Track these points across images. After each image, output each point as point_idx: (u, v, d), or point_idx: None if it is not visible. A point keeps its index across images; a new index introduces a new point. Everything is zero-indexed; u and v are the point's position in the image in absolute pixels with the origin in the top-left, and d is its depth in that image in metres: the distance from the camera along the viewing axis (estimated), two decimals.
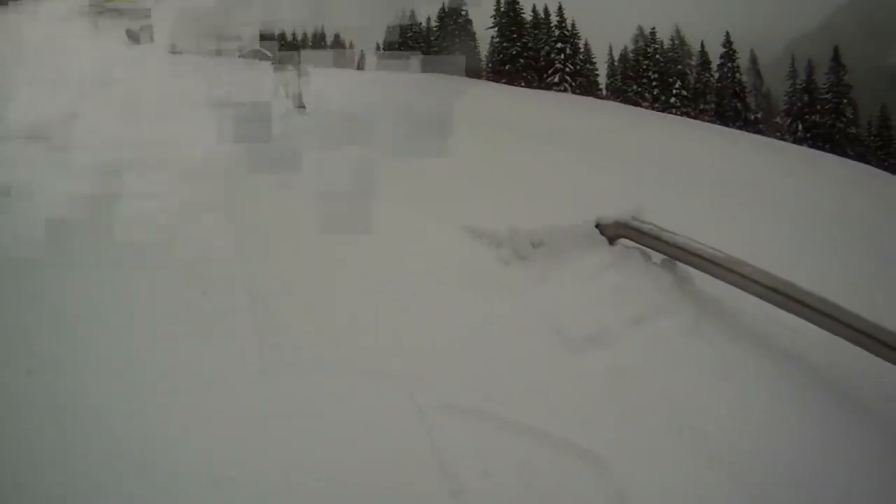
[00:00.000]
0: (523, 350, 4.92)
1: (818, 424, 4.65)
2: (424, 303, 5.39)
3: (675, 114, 42.53)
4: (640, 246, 6.41)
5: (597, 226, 6.54)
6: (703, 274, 6.03)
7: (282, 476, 3.54)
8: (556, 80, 46.30)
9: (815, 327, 5.25)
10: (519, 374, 4.64)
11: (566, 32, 48.40)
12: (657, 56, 47.83)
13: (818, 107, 45.68)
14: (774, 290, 5.46)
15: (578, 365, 4.83)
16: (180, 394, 4.08)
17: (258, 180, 8.01)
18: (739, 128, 41.72)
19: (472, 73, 47.54)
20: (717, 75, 48.15)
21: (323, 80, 17.16)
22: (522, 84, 44.34)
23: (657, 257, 6.35)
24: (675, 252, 6.11)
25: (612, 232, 6.47)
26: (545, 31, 48.80)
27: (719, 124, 41.14)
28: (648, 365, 4.92)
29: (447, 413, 4.13)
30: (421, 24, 54.69)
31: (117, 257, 5.70)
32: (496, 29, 49.60)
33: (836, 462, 4.25)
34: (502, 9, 49.35)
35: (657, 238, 6.17)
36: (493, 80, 45.47)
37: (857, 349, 5.02)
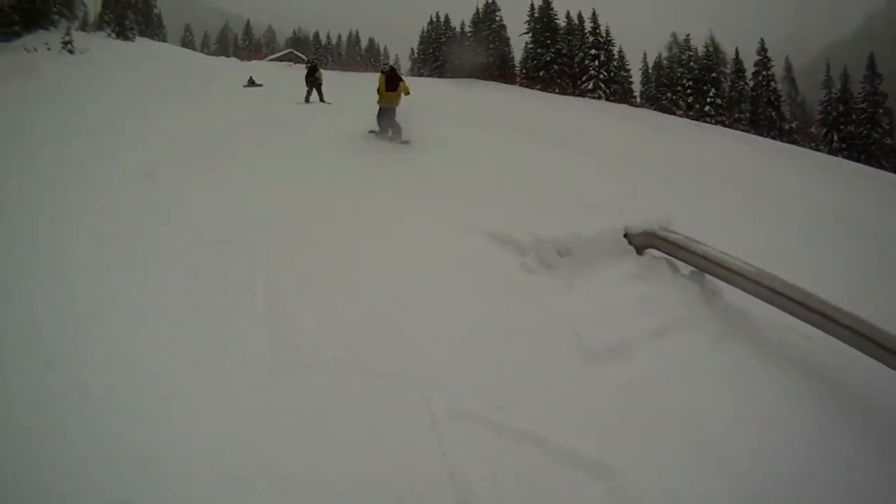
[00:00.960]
0: (542, 359, 4.89)
1: (833, 436, 4.59)
2: (444, 308, 5.38)
3: (710, 122, 42.12)
4: (668, 256, 6.35)
5: (625, 235, 6.49)
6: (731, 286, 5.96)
7: (288, 477, 3.57)
8: (591, 86, 46.05)
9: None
10: (535, 382, 4.63)
11: (600, 39, 48.15)
12: (691, 63, 47.32)
13: (853, 117, 44.70)
14: (803, 305, 5.37)
15: (596, 375, 4.79)
16: (186, 394, 4.11)
17: None
18: (774, 137, 41.18)
19: (506, 78, 47.58)
20: (751, 83, 47.45)
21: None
22: (556, 90, 44.17)
23: (686, 268, 6.29)
24: (704, 263, 6.04)
25: (640, 241, 6.42)
26: (579, 37, 48.57)
27: (754, 133, 40.65)
28: (667, 377, 4.89)
29: (460, 419, 4.15)
30: (455, 28, 54.69)
31: (130, 251, 5.79)
32: (530, 35, 49.50)
33: (848, 475, 4.23)
34: (536, 14, 49.27)
35: (685, 249, 6.11)
36: (526, 86, 45.45)
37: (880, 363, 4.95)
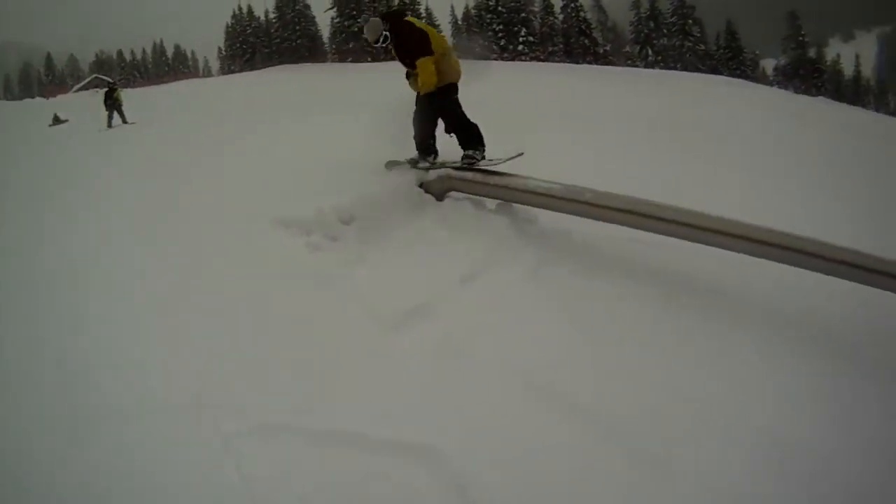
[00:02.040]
0: (340, 343, 4.17)
1: (696, 347, 4.16)
2: (224, 314, 4.54)
3: (525, 60, 42.98)
4: (471, 196, 5.79)
5: (420, 185, 5.85)
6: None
7: None
8: None
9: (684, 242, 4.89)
10: (337, 371, 3.92)
11: (405, 1, 47.97)
12: (500, 8, 48.05)
13: (665, 31, 47.91)
14: (625, 211, 5.02)
15: (400, 347, 4.12)
16: None
17: None
18: (589, 62, 42.82)
19: (317, 57, 46.63)
20: (561, 17, 49.30)
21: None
22: (369, 59, 43.36)
23: (492, 204, 5.76)
24: (508, 193, 5.55)
25: (437, 187, 5.81)
26: (384, 2, 48.32)
27: (569, 62, 41.92)
28: (485, 326, 4.29)
29: (256, 436, 3.41)
30: (259, 18, 53.75)
31: None
32: (335, 9, 48.71)
33: (717, 394, 3.74)
34: None
35: (484, 183, 5.59)
36: (338, 61, 44.48)
37: (729, 254, 4.69)
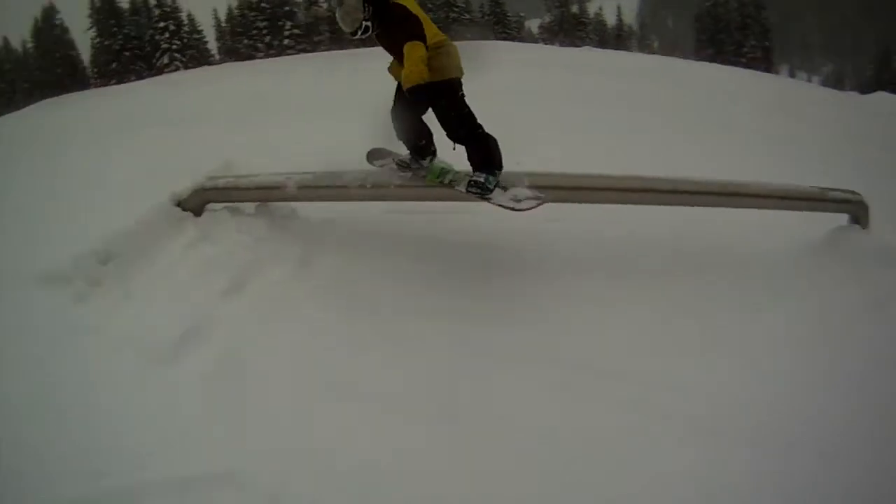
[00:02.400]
0: (115, 393, 3.95)
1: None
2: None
3: (293, 53, 42.61)
4: (229, 205, 5.71)
5: (178, 204, 5.65)
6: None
7: None
8: (166, 60, 44.07)
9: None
10: (117, 425, 3.74)
11: (166, 9, 46.31)
12: (263, 4, 47.45)
13: (430, 6, 49.51)
14: (379, 186, 5.18)
15: (176, 378, 4.00)
16: None
17: None
18: (356, 46, 43.03)
19: (78, 84, 43.65)
20: (325, 5, 49.59)
21: None
22: (133, 78, 41.11)
23: (251, 207, 5.74)
24: (262, 194, 5.57)
25: (194, 203, 5.63)
26: (145, 14, 46.44)
27: (337, 49, 42.04)
28: (259, 334, 4.37)
29: None
30: (17, 49, 49.81)
31: None
32: (94, 29, 45.92)
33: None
34: (97, 4, 45.73)
35: (236, 188, 5.55)
36: (102, 85, 41.60)
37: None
